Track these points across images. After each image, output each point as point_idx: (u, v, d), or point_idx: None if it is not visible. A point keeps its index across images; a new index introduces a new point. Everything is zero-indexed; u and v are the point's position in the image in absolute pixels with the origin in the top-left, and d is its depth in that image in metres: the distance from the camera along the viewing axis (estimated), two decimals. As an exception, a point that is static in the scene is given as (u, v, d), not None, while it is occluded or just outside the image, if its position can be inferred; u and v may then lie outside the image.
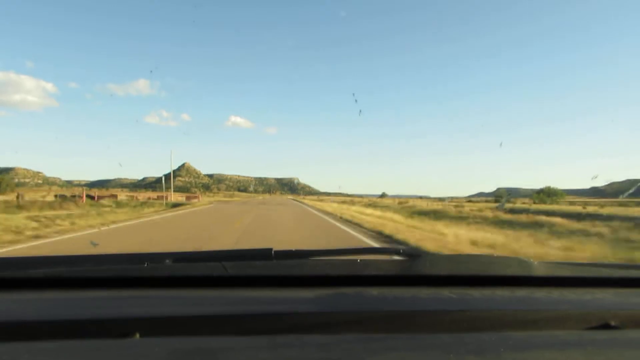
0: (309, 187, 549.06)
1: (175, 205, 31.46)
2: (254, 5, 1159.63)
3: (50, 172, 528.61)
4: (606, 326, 0.93)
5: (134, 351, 0.70)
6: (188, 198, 57.33)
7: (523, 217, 23.73)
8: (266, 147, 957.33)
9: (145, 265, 1.12)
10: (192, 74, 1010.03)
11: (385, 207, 37.14)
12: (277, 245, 1.33)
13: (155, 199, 40.17)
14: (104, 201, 31.22)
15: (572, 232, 16.88)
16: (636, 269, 1.43)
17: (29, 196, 45.64)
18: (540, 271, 1.24)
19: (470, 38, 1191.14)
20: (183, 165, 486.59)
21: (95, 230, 11.79)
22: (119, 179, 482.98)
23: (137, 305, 0.93)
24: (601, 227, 18.02)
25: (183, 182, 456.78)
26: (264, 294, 1.03)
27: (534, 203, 55.66)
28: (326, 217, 18.79)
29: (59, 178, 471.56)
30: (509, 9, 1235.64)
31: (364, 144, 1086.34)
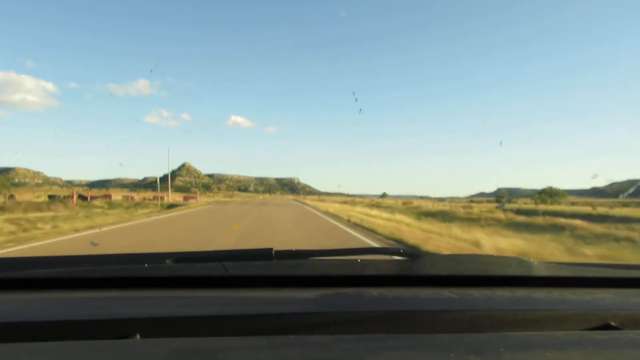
0: (309, 187, 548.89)
1: (171, 206, 30.12)
2: (254, 5, 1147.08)
3: (50, 172, 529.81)
4: (606, 326, 0.92)
5: (134, 352, 0.70)
6: (186, 198, 56.00)
7: (539, 219, 22.34)
8: (266, 147, 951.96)
9: (146, 265, 1.12)
10: (192, 73, 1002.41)
11: (389, 208, 35.88)
12: None
13: (151, 200, 38.82)
14: (96, 202, 29.95)
15: (598, 237, 15.66)
16: (637, 269, 1.37)
17: (22, 197, 44.55)
18: (540, 271, 1.24)
19: (471, 37, 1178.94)
20: (183, 165, 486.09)
21: (78, 234, 10.74)
22: (120, 179, 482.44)
23: (138, 305, 0.93)
24: (625, 231, 16.92)
25: (183, 181, 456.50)
26: (264, 294, 1.02)
27: (536, 203, 55.59)
28: (332, 221, 16.72)
29: (59, 178, 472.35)
30: (509, 9, 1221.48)
31: (364, 144, 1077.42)
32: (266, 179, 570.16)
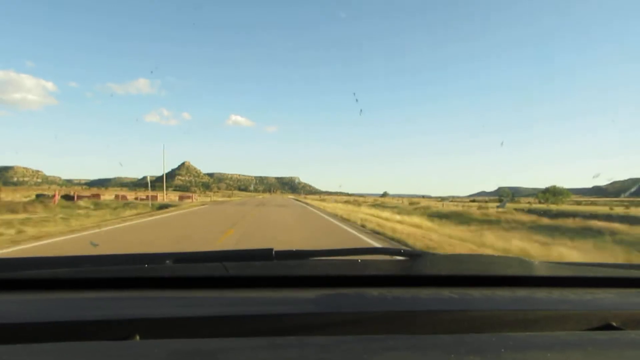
0: (310, 186, 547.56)
1: (163, 206, 27.87)
2: (254, 6, 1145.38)
3: (50, 171, 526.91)
4: (607, 326, 0.92)
5: (134, 352, 0.69)
6: (181, 198, 53.55)
7: (569, 222, 20.11)
8: (266, 146, 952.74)
9: (146, 266, 1.11)
10: (192, 73, 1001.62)
11: (396, 209, 33.72)
12: None
13: (143, 199, 36.53)
14: (82, 202, 27.75)
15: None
16: (637, 269, 1.37)
17: (12, 196, 42.39)
18: (541, 271, 1.23)
19: (471, 38, 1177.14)
20: (183, 164, 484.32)
21: (40, 242, 8.78)
22: (119, 178, 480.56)
23: (137, 306, 0.93)
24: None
25: (183, 181, 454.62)
26: (265, 295, 1.02)
27: (540, 202, 54.74)
28: (344, 226, 13.85)
29: (58, 177, 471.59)
30: (509, 9, 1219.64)
31: (364, 143, 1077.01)
32: (266, 178, 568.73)
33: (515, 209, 33.92)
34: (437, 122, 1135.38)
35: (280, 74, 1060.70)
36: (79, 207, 24.76)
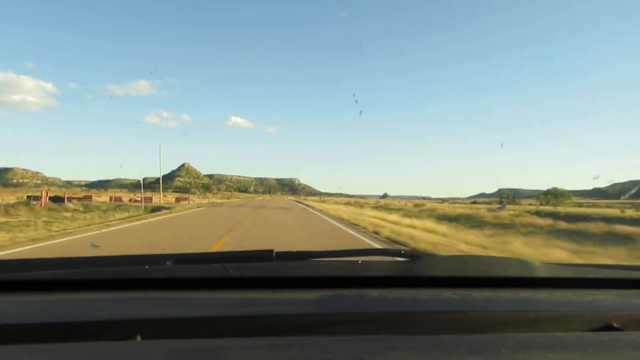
0: (310, 187, 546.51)
1: (156, 209, 26.49)
2: (254, 6, 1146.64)
3: (50, 173, 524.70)
4: (608, 328, 0.92)
5: (134, 353, 0.70)
6: (177, 200, 52.10)
7: (592, 227, 18.71)
8: (266, 147, 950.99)
9: (146, 267, 1.12)
10: (192, 74, 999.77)
11: (402, 211, 32.32)
12: None
13: (138, 201, 35.19)
14: (71, 204, 26.53)
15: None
16: (637, 270, 1.35)
17: (5, 198, 41.08)
18: (542, 272, 1.23)
19: (471, 38, 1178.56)
20: (183, 165, 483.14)
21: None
22: (119, 179, 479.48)
23: (138, 307, 0.93)
24: None
25: (183, 182, 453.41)
26: (265, 296, 1.03)
27: (541, 204, 53.79)
28: (356, 234, 12.03)
29: (58, 178, 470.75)
30: (509, 9, 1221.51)
31: (364, 144, 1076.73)
32: (266, 179, 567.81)
33: (514, 211, 32.53)
34: (437, 122, 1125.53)
35: (280, 74, 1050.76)
36: (67, 210, 23.52)
